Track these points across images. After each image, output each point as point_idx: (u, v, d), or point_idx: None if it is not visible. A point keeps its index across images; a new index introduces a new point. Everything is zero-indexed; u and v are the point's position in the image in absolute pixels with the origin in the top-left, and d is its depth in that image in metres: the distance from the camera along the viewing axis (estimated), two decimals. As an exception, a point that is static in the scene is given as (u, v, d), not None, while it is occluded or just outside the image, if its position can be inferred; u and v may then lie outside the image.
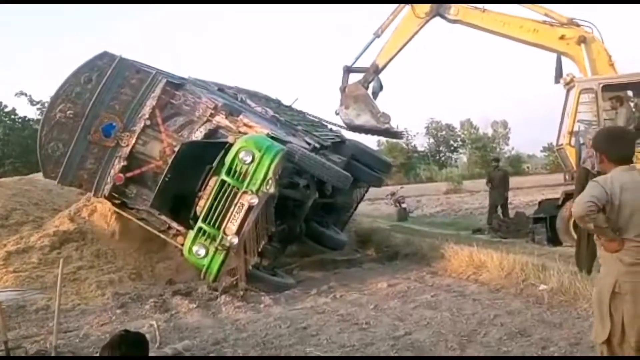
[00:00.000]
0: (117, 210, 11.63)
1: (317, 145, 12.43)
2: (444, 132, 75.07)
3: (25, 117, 42.51)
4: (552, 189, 23.77)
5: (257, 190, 9.31)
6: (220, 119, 10.71)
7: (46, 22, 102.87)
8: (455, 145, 75.30)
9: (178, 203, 10.77)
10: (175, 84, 11.17)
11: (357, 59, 14.72)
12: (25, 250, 12.47)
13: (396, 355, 5.92)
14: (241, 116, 10.81)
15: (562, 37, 13.31)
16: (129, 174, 10.88)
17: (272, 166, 9.35)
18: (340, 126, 15.15)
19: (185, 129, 10.86)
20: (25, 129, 40.96)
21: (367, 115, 14.57)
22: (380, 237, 14.21)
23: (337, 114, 14.97)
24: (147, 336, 3.32)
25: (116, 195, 11.11)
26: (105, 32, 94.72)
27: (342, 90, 14.70)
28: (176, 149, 10.50)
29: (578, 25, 13.40)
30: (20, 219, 14.54)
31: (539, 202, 14.75)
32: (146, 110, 10.77)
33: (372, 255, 13.30)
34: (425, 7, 14.10)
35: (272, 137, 10.20)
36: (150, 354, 4.13)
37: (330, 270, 11.76)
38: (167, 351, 6.40)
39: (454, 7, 14.00)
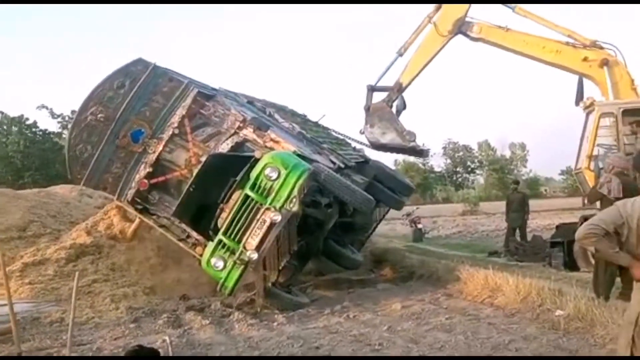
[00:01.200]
0: (138, 215, 11.71)
1: (342, 165, 12.42)
2: (461, 153, 74.91)
3: (45, 130, 43.26)
4: (570, 212, 23.57)
5: (281, 208, 9.33)
6: (248, 133, 10.82)
7: (68, 36, 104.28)
8: (472, 166, 75.05)
9: (199, 213, 10.83)
10: (206, 95, 11.29)
11: (380, 77, 14.75)
12: (41, 262, 12.60)
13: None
14: (269, 131, 10.89)
15: (584, 59, 13.23)
16: (153, 181, 11.04)
17: (298, 185, 9.37)
18: (363, 143, 15.16)
19: (213, 140, 10.99)
20: (45, 142, 41.57)
21: (393, 134, 14.57)
22: (395, 258, 14.13)
23: (362, 132, 14.97)
24: (160, 352, 3.32)
25: (139, 201, 11.24)
26: (125, 45, 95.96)
27: (367, 109, 14.72)
28: (202, 159, 10.63)
29: (601, 48, 13.32)
30: (38, 231, 14.72)
31: (557, 226, 14.61)
32: (175, 118, 10.93)
33: (387, 275, 13.22)
34: (448, 25, 14.12)
35: (299, 155, 10.23)
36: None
37: (344, 290, 11.71)
38: (179, 367, 6.40)
39: (476, 26, 14.03)
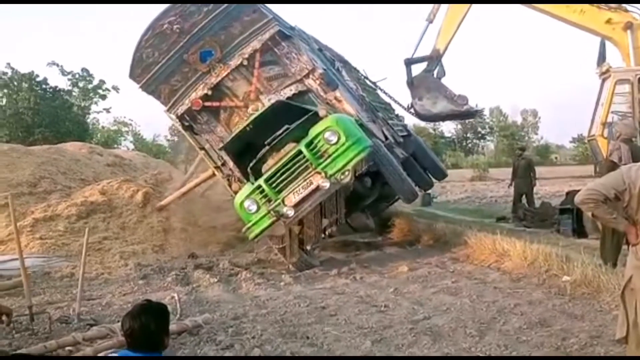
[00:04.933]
0: (183, 132, 11.84)
1: (392, 140, 12.26)
2: (472, 119, 74.25)
3: (56, 87, 43.08)
4: (581, 180, 23.42)
5: (331, 176, 9.20)
6: (313, 83, 10.73)
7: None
8: (483, 132, 74.48)
9: (243, 148, 10.83)
10: (284, 34, 11.10)
11: (415, 49, 14.57)
12: (52, 218, 12.75)
13: (414, 339, 5.91)
14: (336, 91, 10.77)
15: (608, 21, 13.00)
16: (207, 103, 11.05)
17: (356, 159, 9.24)
18: (408, 110, 14.92)
19: (277, 81, 10.93)
20: (55, 99, 41.49)
21: (444, 101, 14.45)
22: (403, 222, 14.14)
23: (409, 108, 14.80)
24: (169, 308, 3.35)
25: (187, 118, 11.30)
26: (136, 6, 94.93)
27: (410, 83, 14.56)
28: (262, 97, 10.64)
29: (626, 11, 13.07)
30: (49, 187, 14.83)
31: (566, 193, 14.53)
32: (248, 50, 10.85)
33: (394, 239, 13.26)
34: None
35: (360, 125, 10.06)
36: (171, 326, 4.18)
37: (351, 252, 11.78)
38: (187, 323, 6.48)
39: None
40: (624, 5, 13.09)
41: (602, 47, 12.84)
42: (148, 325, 3.03)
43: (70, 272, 10.00)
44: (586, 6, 13.25)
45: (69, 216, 12.79)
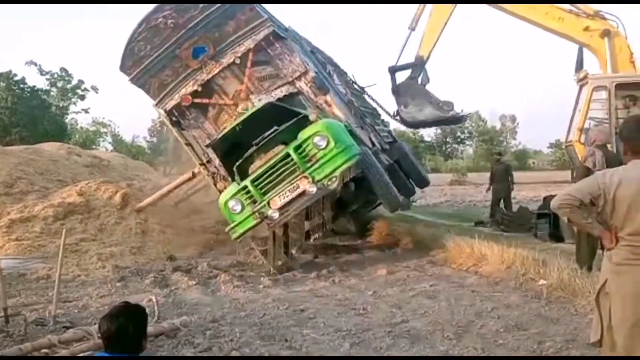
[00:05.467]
0: (170, 127, 11.70)
1: (379, 147, 12.27)
2: (458, 124, 74.81)
3: (34, 86, 42.68)
4: (558, 185, 23.70)
5: (318, 181, 9.14)
6: (303, 85, 10.72)
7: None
8: (462, 137, 75.12)
9: (229, 147, 10.78)
10: (278, 35, 11.05)
11: (399, 57, 14.62)
12: (28, 219, 12.58)
13: (392, 342, 5.94)
14: (327, 95, 10.76)
15: (586, 29, 13.16)
16: (197, 100, 11.02)
17: (344, 166, 9.20)
18: (392, 116, 14.94)
19: (268, 81, 10.91)
20: (33, 99, 41.06)
21: (430, 108, 14.46)
22: (382, 225, 14.20)
23: (395, 115, 14.81)
24: (147, 310, 3.33)
25: (175, 114, 11.25)
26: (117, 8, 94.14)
27: (395, 90, 14.58)
28: (252, 96, 10.62)
29: (604, 19, 13.25)
30: (25, 187, 14.66)
31: (544, 198, 14.71)
32: (241, 48, 10.83)
33: (374, 242, 13.30)
34: None
35: (349, 131, 10.04)
36: (149, 328, 4.16)
37: (331, 255, 11.79)
38: (164, 326, 6.44)
39: None
40: (601, 12, 13.28)
41: (580, 54, 13.00)
42: (126, 328, 3.01)
43: (47, 273, 9.88)
44: (565, 14, 13.42)
45: (45, 217, 12.63)
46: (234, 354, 5.72)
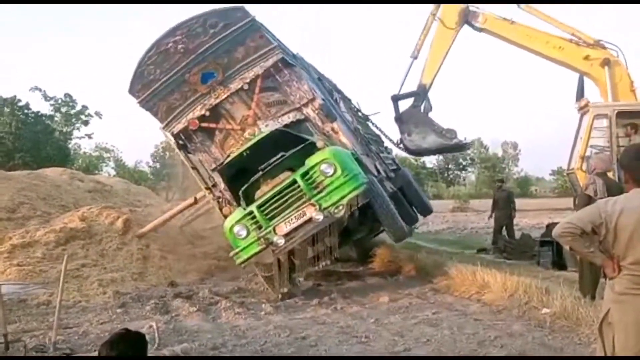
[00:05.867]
0: (176, 150, 11.76)
1: (384, 175, 12.29)
2: (461, 152, 74.92)
3: (38, 112, 42.89)
4: (560, 212, 23.67)
5: (325, 209, 9.12)
6: (311, 112, 10.76)
7: (63, 19, 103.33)
8: (464, 163, 75.16)
9: (235, 172, 10.80)
10: (287, 62, 11.13)
11: (401, 85, 14.74)
12: (30, 244, 12.57)
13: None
14: (334, 122, 10.81)
15: (586, 58, 13.25)
16: (204, 124, 11.05)
17: (351, 195, 9.17)
18: (395, 143, 15.00)
19: (275, 107, 10.95)
20: (37, 124, 41.25)
21: (433, 136, 14.53)
22: (384, 252, 14.15)
23: (399, 144, 14.90)
24: (147, 337, 3.31)
25: (182, 137, 11.27)
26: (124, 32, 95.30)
27: (398, 119, 14.68)
28: (259, 122, 10.65)
29: (604, 48, 13.35)
30: (27, 213, 14.66)
31: (547, 226, 14.65)
32: (250, 74, 10.88)
33: (375, 268, 13.24)
34: (454, 17, 14.23)
35: (356, 159, 10.07)
36: (149, 355, 4.13)
37: (332, 282, 11.73)
38: (165, 353, 6.39)
39: (481, 16, 14.11)
40: (601, 42, 13.38)
41: (581, 82, 13.06)
42: (125, 354, 2.99)
43: (47, 299, 9.83)
44: (565, 43, 13.53)
45: (47, 243, 12.62)
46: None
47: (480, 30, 14.28)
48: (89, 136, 49.24)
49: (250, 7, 10.91)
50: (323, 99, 11.22)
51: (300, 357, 5.60)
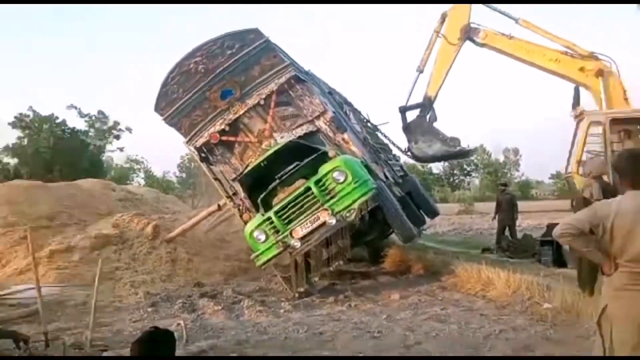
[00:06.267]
0: (199, 162, 11.95)
1: (392, 181, 12.32)
2: (465, 158, 74.53)
3: (74, 128, 43.30)
4: (560, 213, 23.42)
5: (337, 213, 9.15)
6: (322, 124, 10.89)
7: (96, 39, 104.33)
8: (468, 169, 74.69)
9: (254, 181, 10.86)
10: (299, 78, 11.27)
11: (409, 97, 14.83)
12: (68, 249, 12.68)
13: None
14: (345, 133, 10.89)
15: (581, 69, 13.18)
16: (224, 137, 11.20)
17: (361, 199, 9.21)
18: (403, 151, 15.06)
19: (290, 120, 11.08)
20: (73, 139, 41.64)
21: (438, 144, 14.62)
22: (395, 253, 14.09)
23: (407, 151, 14.98)
24: (175, 334, 3.32)
25: (204, 150, 11.42)
26: (149, 47, 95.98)
27: (405, 128, 14.78)
28: (275, 134, 10.83)
29: (598, 59, 13.27)
30: (65, 220, 14.79)
31: (547, 226, 14.51)
32: (265, 90, 11.04)
33: (387, 268, 13.18)
34: (456, 34, 14.29)
35: (365, 166, 10.12)
36: (177, 352, 4.13)
37: (346, 281, 11.69)
38: (192, 349, 6.40)
39: (482, 32, 14.13)
40: (595, 54, 13.29)
41: (577, 92, 13.00)
42: (156, 351, 3.00)
43: (84, 300, 9.91)
44: (561, 56, 13.47)
45: (83, 248, 12.73)
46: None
47: (482, 45, 14.27)
48: (121, 149, 49.57)
49: (261, 24, 11.02)
50: (334, 112, 11.28)
51: (300, 357, 5.57)
